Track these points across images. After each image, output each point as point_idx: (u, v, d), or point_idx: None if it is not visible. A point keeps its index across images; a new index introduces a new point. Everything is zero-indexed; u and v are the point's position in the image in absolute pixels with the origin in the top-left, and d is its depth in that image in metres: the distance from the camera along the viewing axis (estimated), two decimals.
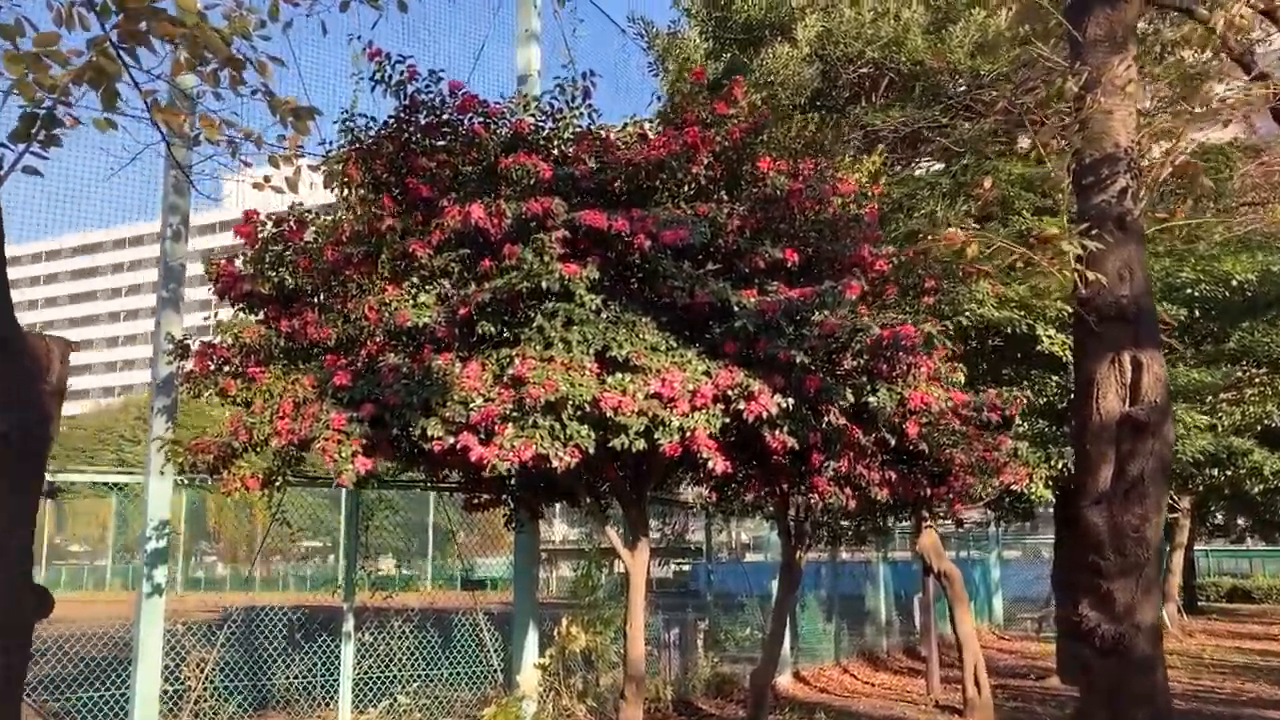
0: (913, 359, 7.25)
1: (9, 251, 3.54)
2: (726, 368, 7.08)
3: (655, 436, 6.92)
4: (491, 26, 10.85)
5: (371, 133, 8.05)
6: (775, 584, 14.67)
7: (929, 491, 10.62)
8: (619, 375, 6.96)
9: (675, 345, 7.29)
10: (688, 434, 6.90)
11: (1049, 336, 12.24)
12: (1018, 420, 12.85)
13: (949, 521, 17.94)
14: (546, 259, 7.02)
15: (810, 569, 15.69)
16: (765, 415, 6.92)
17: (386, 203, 7.39)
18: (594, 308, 7.26)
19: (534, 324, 7.17)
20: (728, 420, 7.08)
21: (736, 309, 7.22)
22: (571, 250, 7.28)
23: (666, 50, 12.95)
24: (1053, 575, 17.08)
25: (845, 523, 14.72)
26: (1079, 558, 8.93)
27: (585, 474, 8.22)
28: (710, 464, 6.93)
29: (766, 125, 8.12)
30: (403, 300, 7.29)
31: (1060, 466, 12.67)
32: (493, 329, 7.23)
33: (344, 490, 10.36)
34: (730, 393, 7.01)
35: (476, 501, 9.93)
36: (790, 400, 6.97)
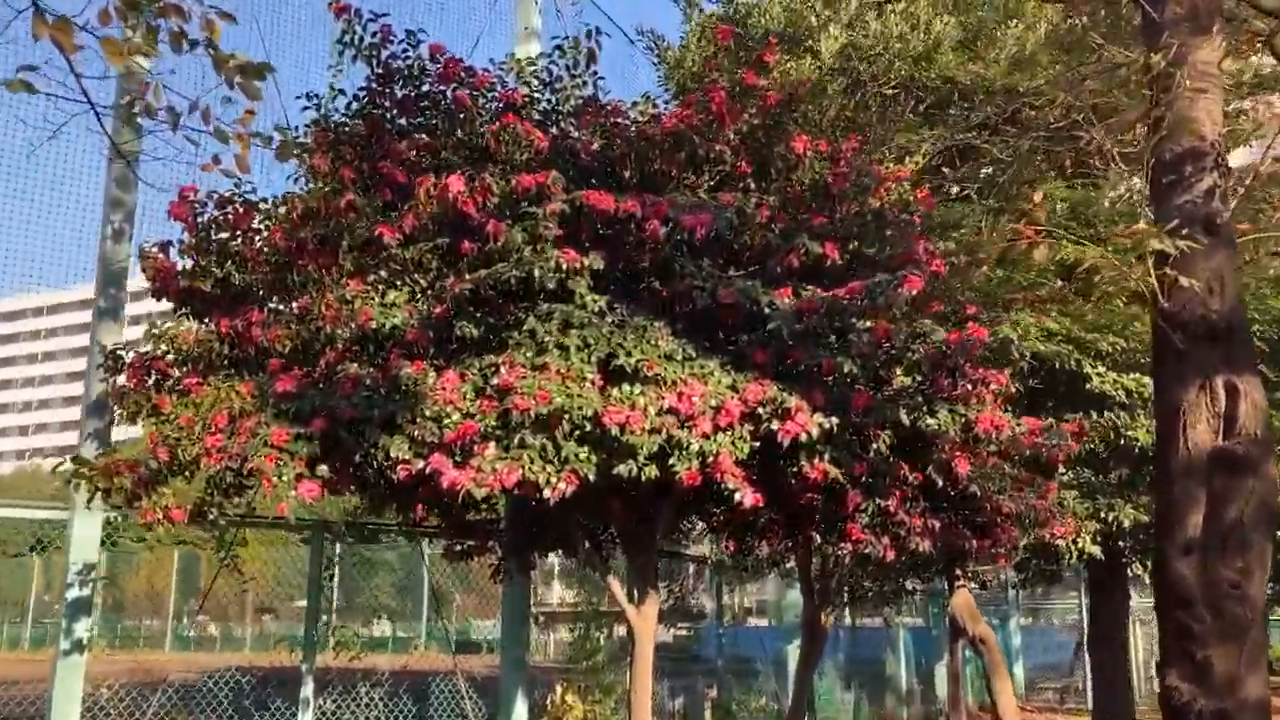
0: (982, 374, 5.92)
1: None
2: (756, 380, 5.75)
3: (670, 462, 5.58)
4: (488, 21, 9.69)
5: (339, 108, 6.79)
6: (790, 649, 13.19)
7: (973, 544, 9.23)
8: (626, 387, 5.63)
9: (694, 354, 5.96)
10: (709, 460, 5.55)
11: (1099, 374, 10.89)
12: (1060, 468, 11.47)
13: (973, 583, 16.45)
14: (540, 246, 5.73)
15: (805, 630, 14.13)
16: (804, 438, 5.57)
17: (346, 175, 6.09)
18: (597, 309, 5.96)
19: (524, 327, 5.86)
20: (756, 444, 5.74)
21: (768, 311, 5.90)
22: (571, 242, 5.99)
23: (678, 64, 11.79)
24: (1088, 642, 15.54)
25: (868, 583, 13.25)
26: (1164, 618, 7.54)
27: (583, 512, 6.86)
28: (738, 496, 5.56)
29: (802, 102, 6.85)
30: (367, 298, 5.98)
31: (1111, 520, 11.26)
32: (474, 331, 5.91)
33: (315, 538, 9.00)
34: (760, 410, 5.67)
35: (459, 549, 8.53)
36: (834, 420, 5.62)
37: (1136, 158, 10.84)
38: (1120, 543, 11.94)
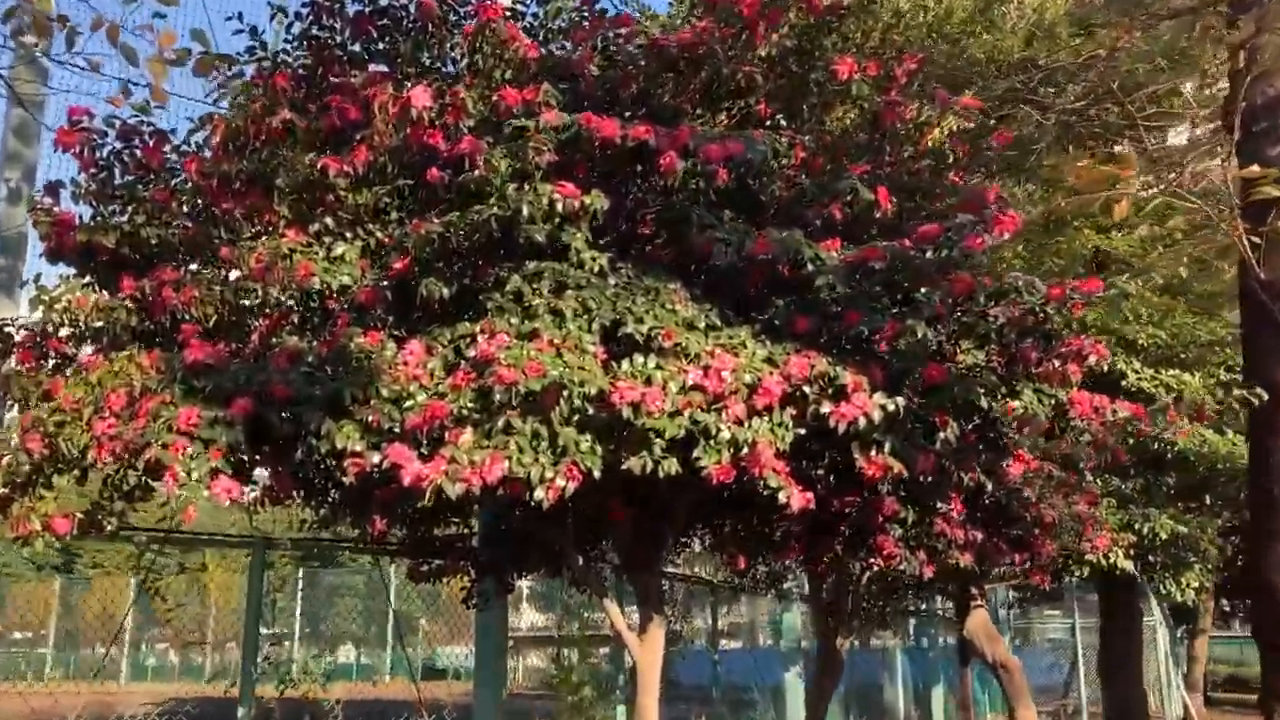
0: (1076, 344, 4.68)
1: None
2: (799, 352, 4.50)
3: (694, 455, 4.31)
4: None
5: (285, 36, 5.49)
6: (789, 677, 11.92)
7: (1015, 558, 8.04)
8: (639, 359, 4.37)
9: (719, 323, 4.72)
10: (744, 450, 4.30)
11: (1135, 370, 9.77)
12: (1089, 476, 10.30)
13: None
14: (529, 184, 4.47)
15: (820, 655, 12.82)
16: (863, 423, 4.32)
17: (280, 85, 4.78)
18: (597, 268, 4.71)
19: (507, 288, 4.59)
20: (801, 432, 4.49)
21: (812, 267, 4.66)
22: (565, 178, 4.73)
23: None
24: (1099, 666, 14.41)
25: (879, 602, 12.02)
26: (1269, 647, 6.37)
27: (575, 522, 5.59)
28: (783, 497, 4.29)
29: (849, 15, 5.60)
30: (308, 251, 4.68)
31: (1146, 531, 10.11)
32: (444, 291, 4.62)
33: (255, 556, 7.66)
34: (807, 389, 4.42)
35: (425, 568, 7.19)
36: (899, 401, 4.37)
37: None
38: (1150, 557, 10.81)
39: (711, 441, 4.28)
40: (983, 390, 4.75)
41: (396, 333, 4.72)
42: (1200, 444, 9.86)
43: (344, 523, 6.54)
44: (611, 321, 4.53)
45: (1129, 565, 10.14)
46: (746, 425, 4.32)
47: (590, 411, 4.21)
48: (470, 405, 4.23)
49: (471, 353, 4.35)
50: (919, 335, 4.32)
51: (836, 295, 4.72)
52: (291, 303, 4.74)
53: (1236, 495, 12.02)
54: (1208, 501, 12.51)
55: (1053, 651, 23.29)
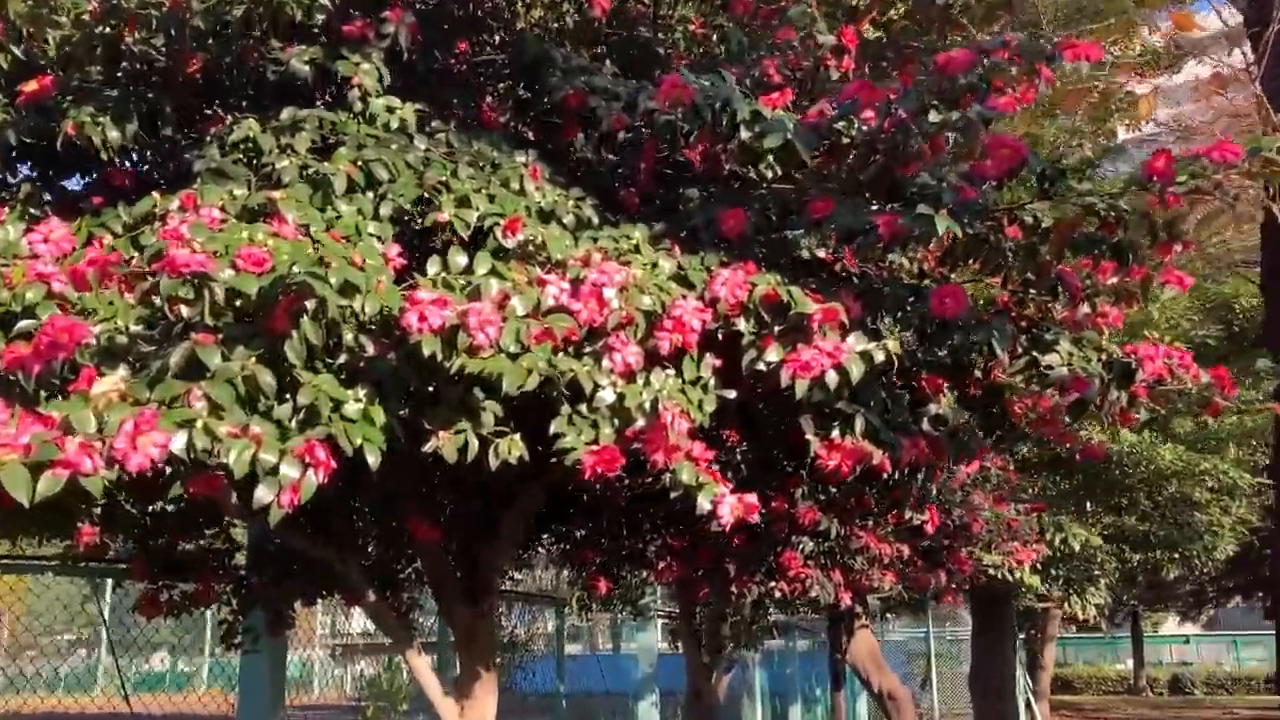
0: (1147, 270, 2.96)
1: None
2: (727, 265, 2.64)
3: (554, 433, 2.39)
4: None
5: None
6: (645, 706, 10.10)
7: (938, 578, 6.43)
8: (459, 260, 2.43)
9: (596, 219, 2.82)
10: (640, 422, 2.41)
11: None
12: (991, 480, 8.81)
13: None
14: None
15: (669, 666, 11.02)
16: (832, 381, 2.49)
17: None
18: (396, 123, 2.78)
19: (232, 138, 2.60)
20: (731, 395, 2.62)
21: (748, 135, 2.79)
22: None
23: None
24: (971, 684, 13.12)
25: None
26: None
27: (362, 534, 3.61)
28: (705, 502, 2.41)
29: None
30: None
31: (1059, 542, 8.67)
32: (116, 135, 2.59)
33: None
34: (742, 324, 2.57)
35: (166, 596, 5.02)
36: (892, 348, 2.57)
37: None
38: (1054, 571, 9.42)
39: (584, 407, 2.38)
40: (999, 336, 2.97)
41: (36, 210, 2.65)
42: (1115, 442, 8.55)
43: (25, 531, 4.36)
44: (418, 200, 2.59)
45: (1035, 581, 8.68)
46: (644, 381, 2.44)
47: (366, 349, 2.25)
48: (136, 330, 2.22)
49: (154, 240, 2.34)
50: (938, 233, 2.49)
51: (786, 181, 2.90)
52: None
53: (1124, 498, 10.88)
54: (1089, 507, 11.28)
55: (908, 661, 22.22)
